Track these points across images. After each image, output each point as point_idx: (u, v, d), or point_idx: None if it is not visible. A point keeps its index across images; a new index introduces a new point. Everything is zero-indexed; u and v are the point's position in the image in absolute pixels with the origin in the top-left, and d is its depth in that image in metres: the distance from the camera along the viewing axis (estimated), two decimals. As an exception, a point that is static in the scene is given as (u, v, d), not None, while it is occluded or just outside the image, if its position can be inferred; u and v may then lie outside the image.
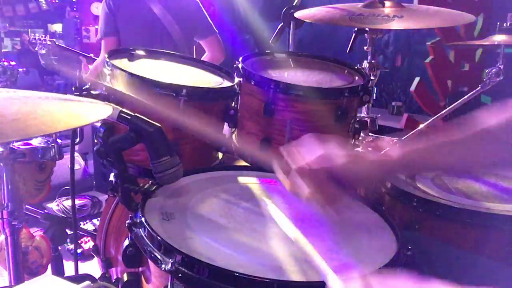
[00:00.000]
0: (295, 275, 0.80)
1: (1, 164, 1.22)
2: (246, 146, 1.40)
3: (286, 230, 0.93)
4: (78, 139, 1.56)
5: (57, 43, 3.45)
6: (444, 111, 2.03)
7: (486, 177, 1.47)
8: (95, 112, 0.89)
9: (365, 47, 1.87)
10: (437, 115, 2.04)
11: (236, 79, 1.52)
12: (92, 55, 3.34)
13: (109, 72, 1.40)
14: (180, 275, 0.79)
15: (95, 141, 1.32)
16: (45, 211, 2.66)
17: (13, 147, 1.24)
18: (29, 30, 5.53)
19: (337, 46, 4.05)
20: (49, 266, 1.67)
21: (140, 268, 0.98)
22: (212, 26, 2.86)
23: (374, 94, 1.78)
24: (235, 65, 1.55)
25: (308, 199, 0.96)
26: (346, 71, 1.65)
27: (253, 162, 1.37)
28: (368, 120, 1.75)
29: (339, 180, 0.94)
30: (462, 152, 0.92)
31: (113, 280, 1.45)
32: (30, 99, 0.90)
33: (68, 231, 1.89)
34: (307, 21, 2.01)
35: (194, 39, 2.84)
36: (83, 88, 1.37)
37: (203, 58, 2.80)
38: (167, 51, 1.74)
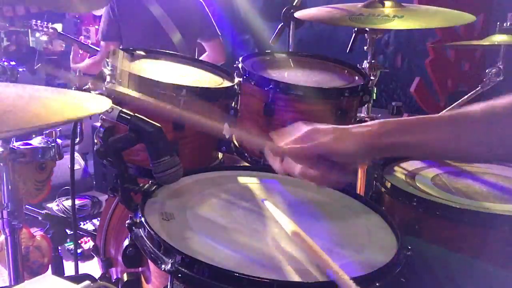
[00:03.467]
0: (295, 275, 0.80)
1: (1, 164, 1.22)
2: (242, 132, 1.42)
3: (288, 228, 0.93)
4: (78, 139, 1.56)
5: (58, 30, 3.45)
6: (444, 111, 2.03)
7: (486, 177, 1.46)
8: (91, 105, 0.88)
9: (365, 47, 1.87)
10: (437, 115, 2.04)
11: (236, 79, 1.52)
12: (82, 38, 3.30)
13: (109, 72, 1.40)
14: (180, 275, 0.79)
15: (95, 141, 1.33)
16: (45, 211, 2.66)
17: (13, 147, 1.24)
18: (29, 30, 5.53)
19: (337, 46, 4.04)
20: (49, 266, 1.67)
21: (140, 268, 0.98)
22: (216, 29, 2.86)
23: (374, 94, 1.78)
24: (235, 65, 1.55)
25: (299, 177, 0.98)
26: (346, 71, 1.65)
27: (248, 147, 1.36)
28: (368, 120, 1.75)
29: (330, 158, 0.95)
30: (439, 130, 0.91)
31: (113, 280, 1.45)
32: (27, 92, 0.90)
33: (68, 231, 1.89)
34: (307, 21, 2.01)
35: (197, 41, 2.84)
36: (84, 88, 1.37)
37: (203, 58, 2.80)
38: (167, 51, 1.74)
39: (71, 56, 3.05)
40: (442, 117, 0.97)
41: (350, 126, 0.97)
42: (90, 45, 3.35)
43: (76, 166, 3.36)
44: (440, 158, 1.48)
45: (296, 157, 0.98)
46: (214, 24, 2.86)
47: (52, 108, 0.81)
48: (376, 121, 0.96)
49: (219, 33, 2.88)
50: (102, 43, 2.76)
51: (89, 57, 3.10)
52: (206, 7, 2.82)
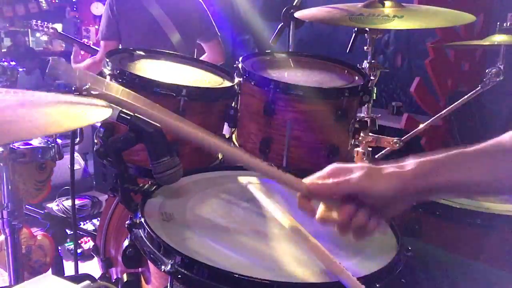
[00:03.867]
0: (295, 276, 0.80)
1: (1, 164, 1.22)
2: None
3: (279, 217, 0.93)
4: (78, 139, 1.56)
5: (58, 30, 3.45)
6: (444, 111, 2.03)
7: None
8: (92, 113, 0.88)
9: (365, 47, 1.87)
10: (437, 115, 2.04)
11: (236, 79, 1.52)
12: (85, 40, 3.32)
13: (109, 72, 1.40)
14: (179, 276, 0.79)
15: (95, 141, 1.33)
16: (45, 211, 2.66)
17: (13, 147, 1.24)
18: (29, 30, 5.54)
19: (337, 46, 4.05)
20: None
21: (140, 269, 0.98)
22: (215, 30, 2.85)
23: (374, 94, 1.78)
24: (235, 65, 1.55)
25: (320, 221, 0.88)
26: (346, 71, 1.65)
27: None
28: (368, 120, 1.75)
29: (359, 197, 0.85)
30: (479, 164, 0.83)
31: (113, 280, 1.45)
32: (27, 99, 0.90)
33: (68, 231, 1.89)
34: (307, 21, 2.01)
35: (196, 41, 2.84)
36: (84, 88, 1.37)
37: (202, 58, 2.79)
38: (167, 51, 1.74)
39: (71, 57, 3.05)
40: (479, 150, 0.86)
41: (383, 166, 0.87)
42: (92, 46, 3.35)
43: (76, 166, 3.36)
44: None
45: (319, 194, 0.88)
46: (214, 24, 2.85)
47: (53, 117, 0.81)
48: (411, 161, 0.86)
49: (218, 33, 2.87)
50: (102, 42, 2.75)
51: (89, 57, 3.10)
52: (205, 8, 2.82)
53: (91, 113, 0.87)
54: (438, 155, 0.85)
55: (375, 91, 1.72)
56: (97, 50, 3.08)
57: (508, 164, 0.83)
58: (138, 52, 1.61)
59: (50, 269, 1.67)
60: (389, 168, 0.85)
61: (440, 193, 0.99)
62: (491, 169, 0.83)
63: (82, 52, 3.12)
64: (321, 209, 0.89)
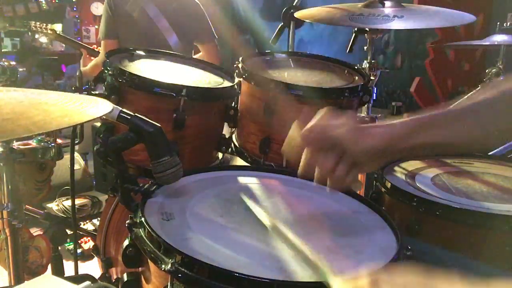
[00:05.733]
0: (295, 275, 0.80)
1: (1, 164, 1.22)
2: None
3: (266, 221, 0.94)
4: (78, 139, 1.56)
5: (58, 32, 3.46)
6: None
7: (486, 177, 1.46)
8: (91, 109, 0.88)
9: (365, 47, 1.87)
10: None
11: (236, 79, 1.52)
12: (95, 46, 3.33)
13: (109, 72, 1.40)
14: (180, 275, 0.79)
15: (95, 141, 1.33)
16: (45, 211, 2.66)
17: (13, 147, 1.24)
18: (29, 30, 5.54)
19: (337, 46, 4.05)
20: (49, 266, 1.67)
21: (140, 268, 0.98)
22: (212, 32, 2.84)
23: (374, 94, 1.78)
24: (235, 65, 1.55)
25: (303, 170, 0.93)
26: (346, 71, 1.65)
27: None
28: (368, 120, 1.76)
29: (342, 150, 0.90)
30: (456, 126, 0.88)
31: (113, 280, 1.45)
32: (27, 97, 0.89)
33: (68, 231, 1.89)
34: (307, 21, 2.01)
35: (193, 43, 2.83)
36: (84, 88, 1.37)
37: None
38: (167, 51, 1.74)
39: (81, 61, 3.07)
40: (462, 108, 0.91)
41: (370, 124, 0.92)
42: (89, 46, 3.36)
43: (76, 166, 3.36)
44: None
45: (307, 141, 0.93)
46: (211, 26, 2.84)
47: (52, 114, 0.81)
48: (396, 121, 0.91)
49: (215, 36, 2.86)
50: (102, 42, 2.76)
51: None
52: (203, 9, 2.81)
53: (90, 109, 0.87)
54: (423, 115, 0.91)
55: (375, 91, 1.72)
56: (98, 52, 3.10)
57: (482, 125, 0.88)
58: (138, 52, 1.61)
59: (50, 270, 1.67)
60: (376, 127, 0.91)
61: (420, 152, 1.09)
62: (468, 131, 0.88)
63: (92, 58, 3.13)
64: (302, 163, 0.94)
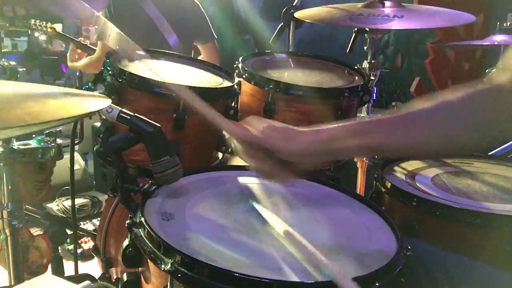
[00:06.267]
0: (294, 275, 0.80)
1: (1, 164, 1.22)
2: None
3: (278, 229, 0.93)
4: (78, 139, 1.56)
5: (57, 30, 3.43)
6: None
7: (486, 177, 1.47)
8: (89, 104, 0.88)
9: (365, 47, 1.87)
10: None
11: (236, 79, 1.52)
12: (81, 39, 3.27)
13: (109, 72, 1.40)
14: (179, 275, 0.79)
15: (95, 141, 1.33)
16: (45, 211, 2.66)
17: (13, 147, 1.24)
18: (29, 31, 5.54)
19: (337, 46, 4.05)
20: (49, 266, 1.67)
21: (140, 268, 0.98)
22: (211, 32, 2.83)
23: (374, 94, 1.78)
24: (235, 65, 1.55)
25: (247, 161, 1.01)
26: (346, 71, 1.65)
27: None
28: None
29: (276, 155, 0.97)
30: (394, 131, 0.93)
31: (113, 280, 1.45)
32: (24, 90, 0.89)
33: (68, 231, 1.89)
34: (307, 21, 2.02)
35: (193, 43, 2.83)
36: (83, 88, 1.37)
37: None
38: (167, 51, 1.74)
39: (68, 54, 3.02)
40: (394, 117, 0.97)
41: (305, 129, 0.98)
42: (89, 45, 3.34)
43: (76, 166, 3.36)
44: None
45: (244, 144, 1.00)
46: (211, 26, 2.84)
47: (49, 106, 0.80)
48: (326, 127, 0.98)
49: (215, 35, 2.86)
50: (99, 42, 2.75)
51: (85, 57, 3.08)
52: (202, 9, 2.81)
53: (88, 103, 0.86)
54: (352, 122, 0.98)
55: (375, 91, 1.72)
56: (95, 50, 3.07)
57: (415, 134, 0.93)
58: (138, 52, 1.61)
59: (50, 269, 1.67)
60: (305, 132, 0.98)
61: (348, 156, 1.19)
62: (407, 135, 0.93)
63: (79, 51, 3.09)
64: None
